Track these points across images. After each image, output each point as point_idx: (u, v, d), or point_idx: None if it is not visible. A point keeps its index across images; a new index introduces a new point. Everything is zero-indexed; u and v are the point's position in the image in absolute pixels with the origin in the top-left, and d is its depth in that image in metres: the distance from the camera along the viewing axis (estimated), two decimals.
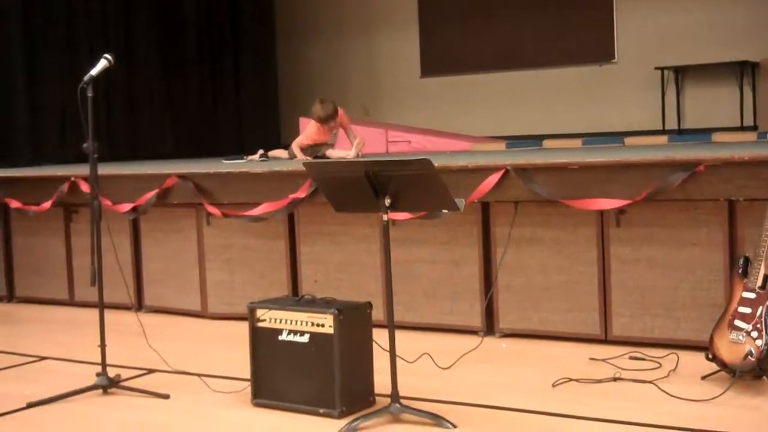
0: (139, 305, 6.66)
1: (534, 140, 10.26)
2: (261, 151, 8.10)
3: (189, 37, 12.45)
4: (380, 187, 3.84)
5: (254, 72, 13.27)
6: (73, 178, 6.75)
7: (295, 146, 7.85)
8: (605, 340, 5.11)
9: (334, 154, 7.75)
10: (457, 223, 5.43)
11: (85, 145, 4.53)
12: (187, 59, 12.33)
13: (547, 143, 9.90)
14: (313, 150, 7.81)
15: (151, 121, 11.75)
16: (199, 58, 12.54)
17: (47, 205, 6.87)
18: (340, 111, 7.83)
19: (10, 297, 7.44)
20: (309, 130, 7.89)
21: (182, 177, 6.31)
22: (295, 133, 8.92)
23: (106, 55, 4.65)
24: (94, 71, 4.56)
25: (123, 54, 10.75)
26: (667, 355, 4.72)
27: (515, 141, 10.44)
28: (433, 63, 13.29)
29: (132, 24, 11.55)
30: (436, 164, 3.78)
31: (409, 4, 13.37)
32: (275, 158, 8.04)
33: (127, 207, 6.52)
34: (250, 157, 8.06)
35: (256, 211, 6.02)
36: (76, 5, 10.74)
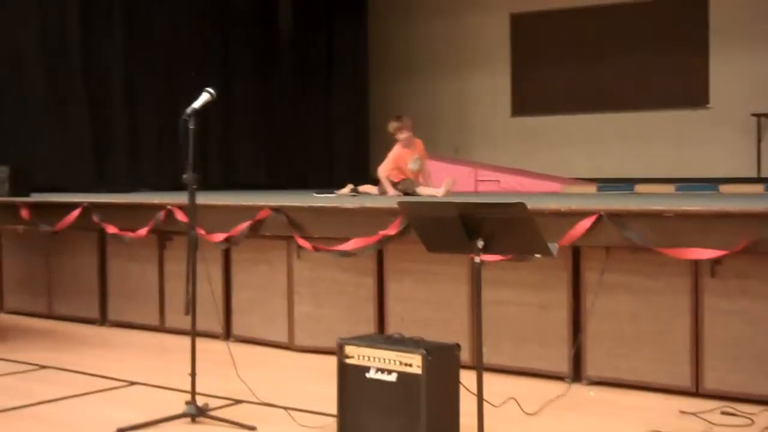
0: (227, 334, 6.75)
1: (625, 184, 10.15)
2: (351, 186, 8.21)
3: (284, 71, 12.71)
4: (474, 230, 3.84)
5: (347, 108, 13.46)
6: (169, 207, 6.88)
7: (383, 178, 7.97)
8: (696, 393, 5.00)
9: (425, 191, 7.79)
10: (546, 266, 5.38)
11: (184, 176, 4.61)
12: (282, 94, 12.58)
13: (639, 188, 9.79)
14: (404, 185, 7.88)
15: (246, 152, 11.98)
16: (293, 92, 12.77)
17: (143, 231, 7.01)
18: (418, 141, 8.09)
19: (103, 320, 7.60)
20: (390, 155, 8.08)
21: (275, 210, 6.39)
22: None
23: (209, 89, 4.71)
24: (196, 104, 4.62)
25: (220, 85, 10.99)
26: (761, 411, 4.59)
27: (606, 184, 10.34)
28: (524, 103, 13.29)
29: (230, 56, 11.84)
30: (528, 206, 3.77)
31: (502, 43, 13.41)
32: (365, 193, 8.12)
33: (220, 237, 6.61)
34: (340, 192, 8.18)
35: (346, 246, 6.05)
36: (177, 35, 11.05)
